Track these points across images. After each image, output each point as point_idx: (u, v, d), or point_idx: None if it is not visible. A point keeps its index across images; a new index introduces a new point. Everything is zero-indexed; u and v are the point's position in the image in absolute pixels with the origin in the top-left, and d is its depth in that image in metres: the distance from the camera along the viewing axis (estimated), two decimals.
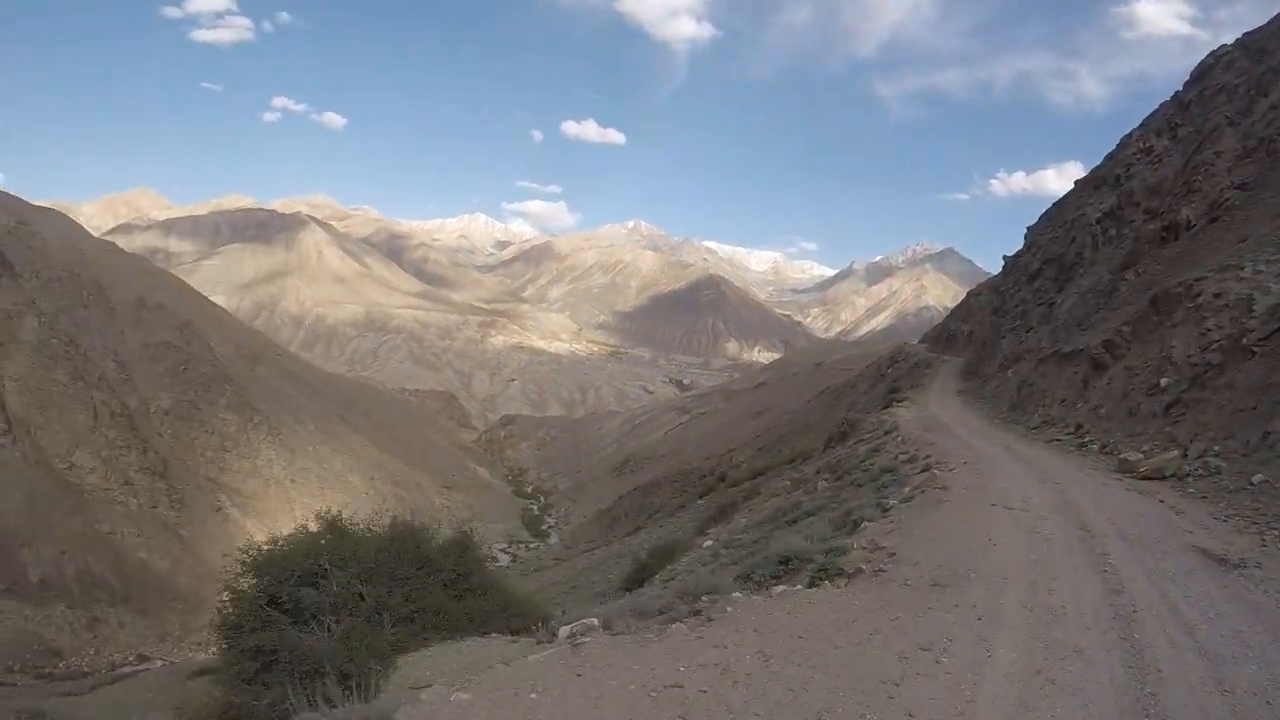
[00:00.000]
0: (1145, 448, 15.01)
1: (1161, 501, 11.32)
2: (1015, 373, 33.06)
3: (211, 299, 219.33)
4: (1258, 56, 35.85)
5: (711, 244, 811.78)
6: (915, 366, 55.79)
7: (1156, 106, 46.14)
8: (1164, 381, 17.01)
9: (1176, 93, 44.09)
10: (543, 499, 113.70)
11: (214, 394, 55.29)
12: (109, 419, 44.35)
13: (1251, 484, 10.87)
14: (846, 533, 10.86)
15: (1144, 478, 13.08)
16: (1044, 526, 10.01)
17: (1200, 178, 29.81)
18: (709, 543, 19.45)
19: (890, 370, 61.30)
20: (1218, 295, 17.56)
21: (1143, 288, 25.92)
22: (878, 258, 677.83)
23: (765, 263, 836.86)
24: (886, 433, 24.56)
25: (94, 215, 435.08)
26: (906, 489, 13.51)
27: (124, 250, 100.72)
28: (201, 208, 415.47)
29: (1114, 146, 48.49)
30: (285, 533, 41.15)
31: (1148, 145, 41.58)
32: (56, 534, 38.46)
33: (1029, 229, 58.10)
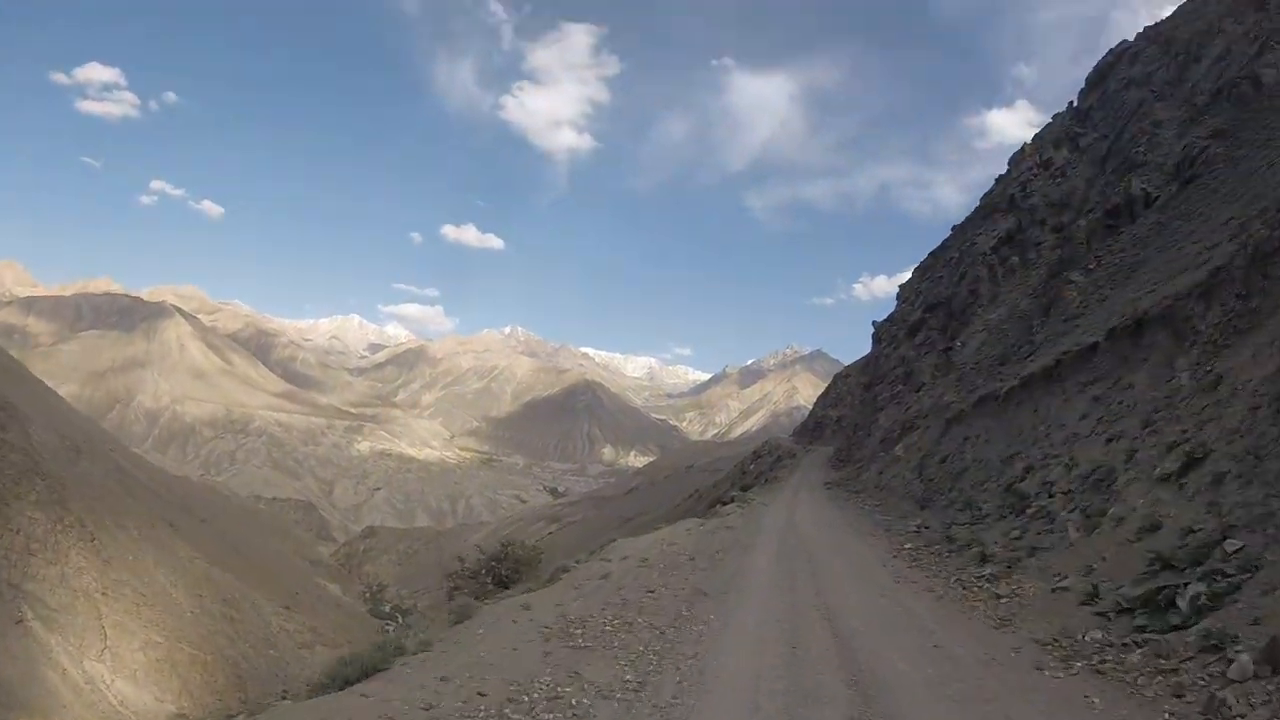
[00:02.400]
0: None
1: None
2: (907, 448, 28.35)
3: (63, 386, 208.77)
4: (1166, 43, 34.36)
5: (588, 350, 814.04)
6: (778, 460, 52.11)
7: (1048, 120, 43.78)
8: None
9: (1071, 104, 42.22)
10: (400, 618, 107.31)
11: (23, 488, 49.27)
12: None
13: None
14: None
15: None
16: None
17: (1142, 150, 27.61)
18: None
19: (753, 466, 56.33)
20: None
21: (1106, 285, 22.70)
22: (750, 361, 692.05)
23: (641, 368, 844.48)
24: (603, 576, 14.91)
25: None
26: None
27: None
28: (66, 288, 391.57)
29: (1003, 169, 45.09)
30: (93, 654, 35.52)
31: (1045, 159, 38.91)
32: None
33: (875, 324, 55.68)
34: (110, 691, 42.04)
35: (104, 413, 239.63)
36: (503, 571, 27.66)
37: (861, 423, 43.53)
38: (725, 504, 33.08)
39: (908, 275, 55.18)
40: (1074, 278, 25.46)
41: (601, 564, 16.71)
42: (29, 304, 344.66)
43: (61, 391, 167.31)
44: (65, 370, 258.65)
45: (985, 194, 45.55)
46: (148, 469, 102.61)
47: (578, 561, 17.76)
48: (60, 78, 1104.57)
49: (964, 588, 12.42)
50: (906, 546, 17.47)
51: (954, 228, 49.35)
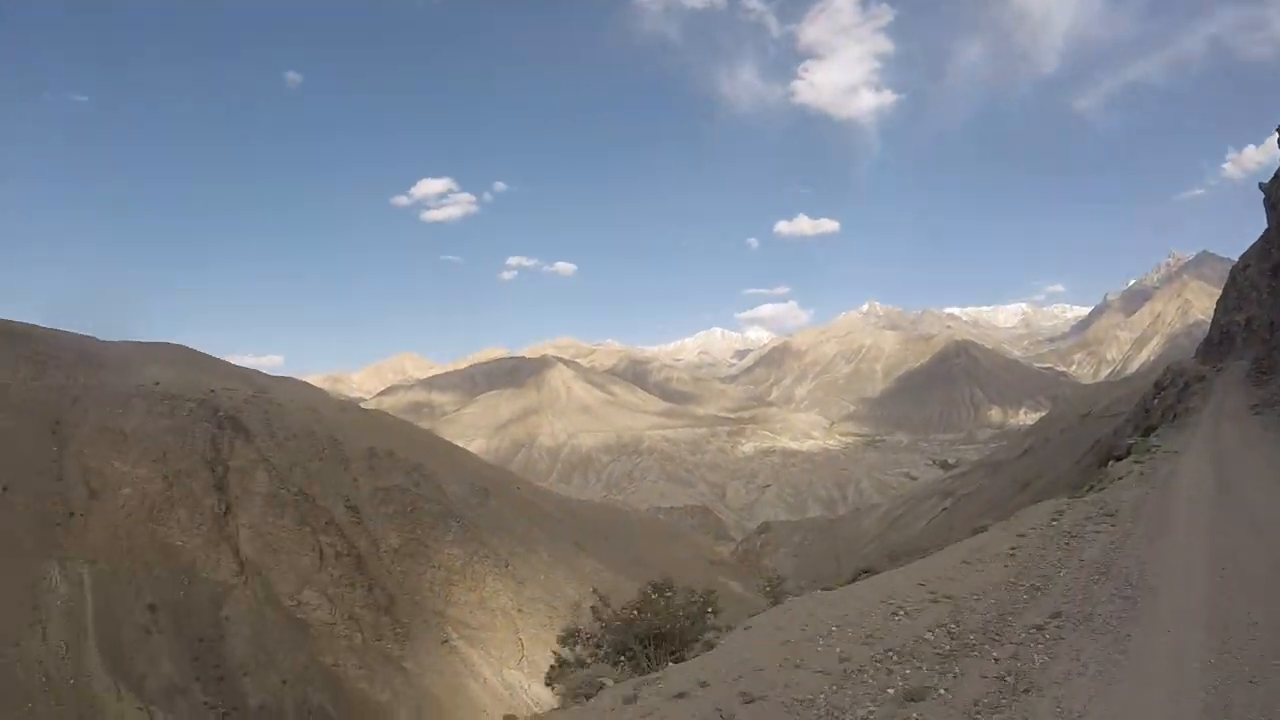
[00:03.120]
0: None
1: None
2: None
3: (471, 443, 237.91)
4: None
5: (953, 310, 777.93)
6: (1185, 389, 40.39)
7: None
8: None
9: None
10: None
11: (440, 530, 56.74)
12: (334, 559, 46.53)
13: None
14: None
15: None
16: None
17: None
18: None
19: (1156, 401, 44.91)
20: None
21: None
22: (1131, 283, 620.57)
23: (1013, 317, 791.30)
24: None
25: (363, 381, 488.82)
26: None
27: (361, 408, 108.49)
28: (460, 363, 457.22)
29: None
30: (512, 664, 40.48)
31: None
32: (279, 665, 40.47)
33: (1264, 186, 44.81)
34: (527, 695, 46.84)
35: (510, 458, 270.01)
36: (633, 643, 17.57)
37: (1278, 318, 34.94)
38: (1118, 459, 25.23)
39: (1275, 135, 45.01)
40: None
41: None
42: (430, 383, 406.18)
43: (471, 448, 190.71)
44: (471, 430, 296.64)
45: None
46: (553, 499, 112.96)
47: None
48: (401, 200, 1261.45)
49: None
50: None
51: None
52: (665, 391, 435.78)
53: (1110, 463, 25.29)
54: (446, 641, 47.99)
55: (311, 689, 40.58)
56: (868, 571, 14.84)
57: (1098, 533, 13.41)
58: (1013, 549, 13.30)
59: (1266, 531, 12.97)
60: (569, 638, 21.74)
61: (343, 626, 43.63)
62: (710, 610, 20.07)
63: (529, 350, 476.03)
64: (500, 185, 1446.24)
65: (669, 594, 20.56)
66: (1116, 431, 53.06)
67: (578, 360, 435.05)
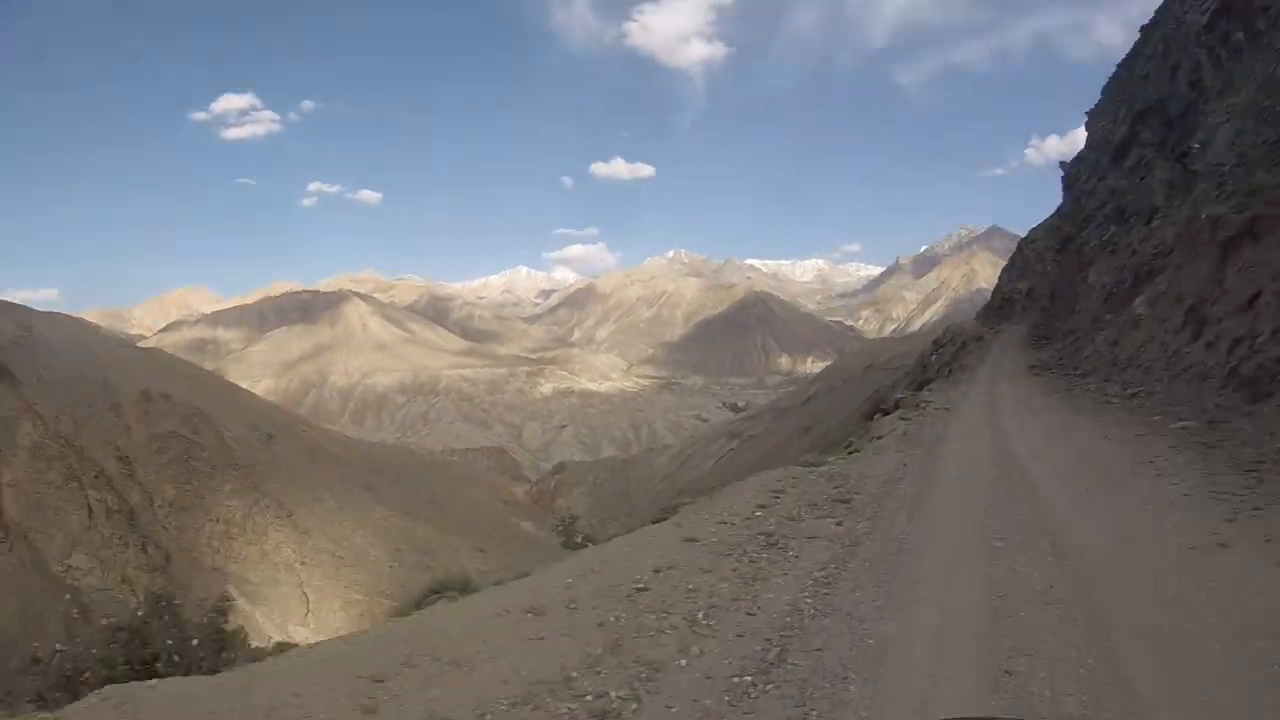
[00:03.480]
0: None
1: None
2: (1154, 301, 19.95)
3: (258, 384, 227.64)
4: None
5: (754, 261, 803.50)
6: (962, 348, 42.87)
7: None
8: None
9: None
10: (589, 546, 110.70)
11: (218, 480, 54.31)
12: (105, 517, 43.53)
13: None
14: None
15: None
16: None
17: None
18: None
19: (934, 358, 47.66)
20: None
21: None
22: (923, 249, 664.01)
23: (810, 272, 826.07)
24: None
25: (144, 316, 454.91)
26: None
27: (138, 347, 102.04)
28: (250, 298, 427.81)
29: None
30: (296, 619, 39.27)
31: None
32: (51, 638, 37.91)
33: (1063, 164, 48.80)
34: None
35: (299, 399, 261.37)
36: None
37: (1061, 289, 36.85)
38: (885, 413, 23.43)
39: (1082, 133, 48.22)
40: None
41: None
42: (216, 318, 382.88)
43: (257, 389, 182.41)
44: (258, 369, 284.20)
45: None
46: (342, 442, 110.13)
47: None
48: (200, 115, 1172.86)
49: None
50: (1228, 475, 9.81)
51: (1143, 28, 39.93)
52: (466, 330, 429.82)
53: (877, 416, 23.66)
54: (228, 599, 46.62)
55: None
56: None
57: (811, 542, 8.95)
58: (647, 582, 8.04)
59: (1040, 501, 10.23)
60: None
61: (116, 591, 41.29)
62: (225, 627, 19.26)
63: (326, 284, 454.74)
64: (308, 104, 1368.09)
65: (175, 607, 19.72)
66: (895, 384, 53.00)
67: (376, 295, 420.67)
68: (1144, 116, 31.79)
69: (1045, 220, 56.78)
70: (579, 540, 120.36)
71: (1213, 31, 26.46)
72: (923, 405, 22.12)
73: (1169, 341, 17.05)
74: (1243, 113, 21.70)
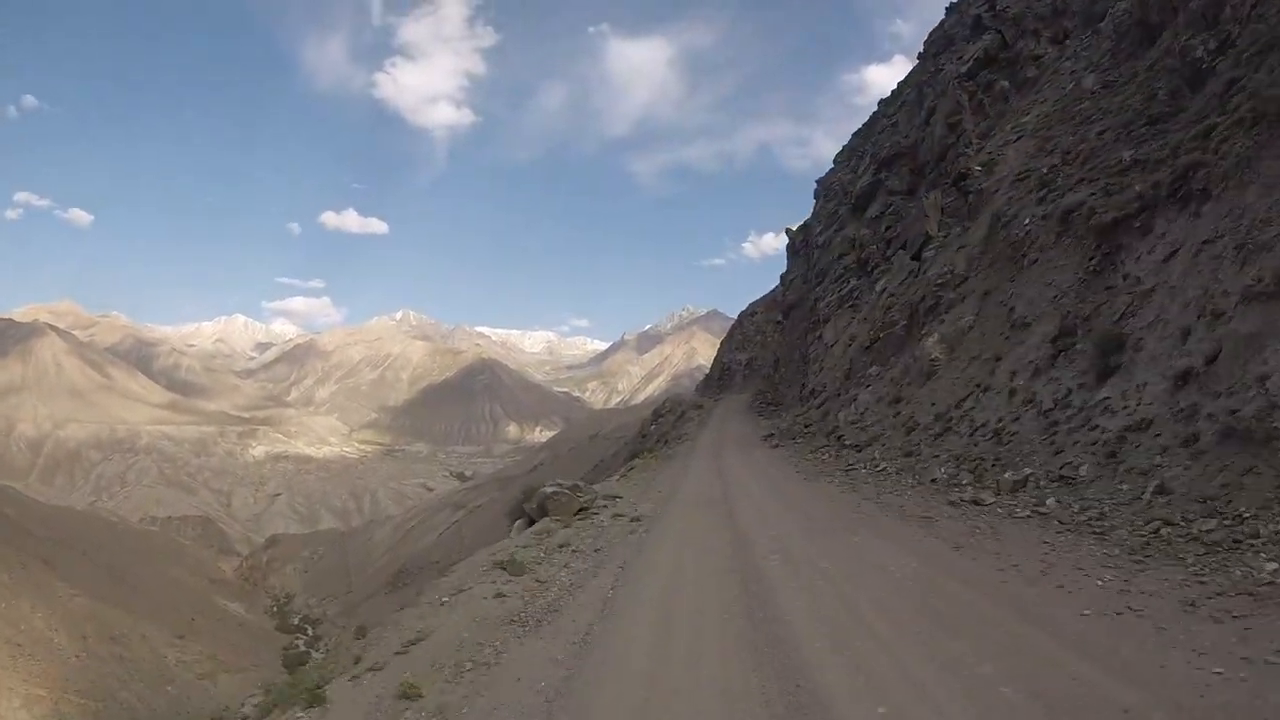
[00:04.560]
0: None
1: None
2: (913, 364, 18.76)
3: None
4: None
5: (484, 329, 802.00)
6: (681, 417, 43.14)
7: None
8: None
9: None
10: (310, 630, 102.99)
11: None
12: None
13: None
14: None
15: None
16: None
17: None
18: None
19: (654, 427, 47.01)
20: None
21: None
22: (647, 327, 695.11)
23: (539, 343, 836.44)
24: None
25: None
26: None
27: None
28: None
29: None
30: None
31: None
32: None
33: (789, 230, 49.18)
34: None
35: None
36: None
37: (786, 355, 35.94)
38: (530, 521, 16.26)
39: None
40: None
41: None
42: None
43: None
44: None
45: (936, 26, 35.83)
46: (22, 505, 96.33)
47: None
48: None
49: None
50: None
51: (881, 101, 41.18)
52: (172, 380, 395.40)
53: (517, 525, 16.70)
54: None
55: None
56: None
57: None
58: None
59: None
60: None
61: None
62: None
63: (21, 312, 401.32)
64: (30, 100, 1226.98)
65: None
66: (616, 454, 52.22)
67: (75, 332, 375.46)
68: (892, 162, 31.04)
69: (763, 296, 58.80)
70: (296, 621, 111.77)
71: (972, 79, 26.91)
72: (615, 500, 16.84)
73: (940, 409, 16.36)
74: (1033, 131, 21.04)
